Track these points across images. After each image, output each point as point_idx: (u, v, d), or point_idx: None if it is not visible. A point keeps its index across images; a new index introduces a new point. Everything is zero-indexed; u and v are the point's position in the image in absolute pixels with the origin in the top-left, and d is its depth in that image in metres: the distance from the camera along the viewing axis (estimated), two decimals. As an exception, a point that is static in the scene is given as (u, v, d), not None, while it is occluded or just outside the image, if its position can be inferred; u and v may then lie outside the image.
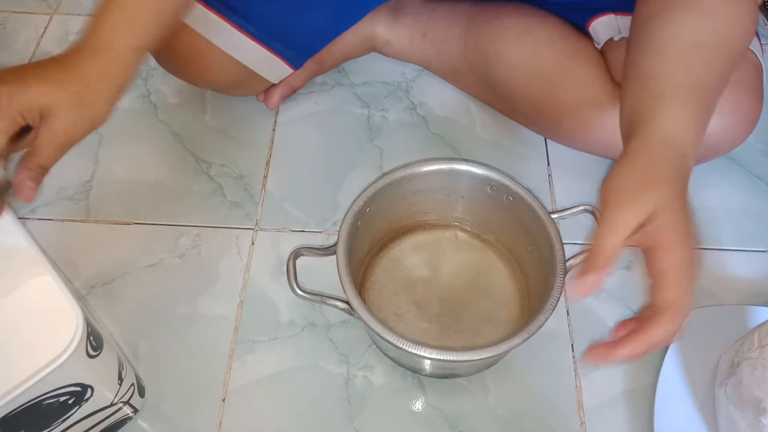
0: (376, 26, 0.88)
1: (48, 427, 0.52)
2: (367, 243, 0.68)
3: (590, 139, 0.77)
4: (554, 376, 0.67)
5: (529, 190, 0.65)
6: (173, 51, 0.74)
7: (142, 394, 0.63)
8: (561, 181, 0.81)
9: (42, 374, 0.46)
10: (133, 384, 0.60)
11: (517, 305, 0.70)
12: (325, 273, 0.67)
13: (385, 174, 0.65)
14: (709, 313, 0.68)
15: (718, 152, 0.73)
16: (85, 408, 0.53)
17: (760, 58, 0.71)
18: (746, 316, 0.68)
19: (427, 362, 0.63)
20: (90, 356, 0.50)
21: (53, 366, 0.46)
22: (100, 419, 0.57)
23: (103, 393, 0.54)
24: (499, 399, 0.66)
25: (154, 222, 0.77)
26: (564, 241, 0.61)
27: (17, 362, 0.47)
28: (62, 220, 0.77)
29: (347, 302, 0.58)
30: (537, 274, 0.66)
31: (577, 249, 0.67)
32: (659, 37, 0.55)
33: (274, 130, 0.86)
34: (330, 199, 0.80)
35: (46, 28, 0.97)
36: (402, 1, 0.88)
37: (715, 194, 0.80)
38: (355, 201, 0.62)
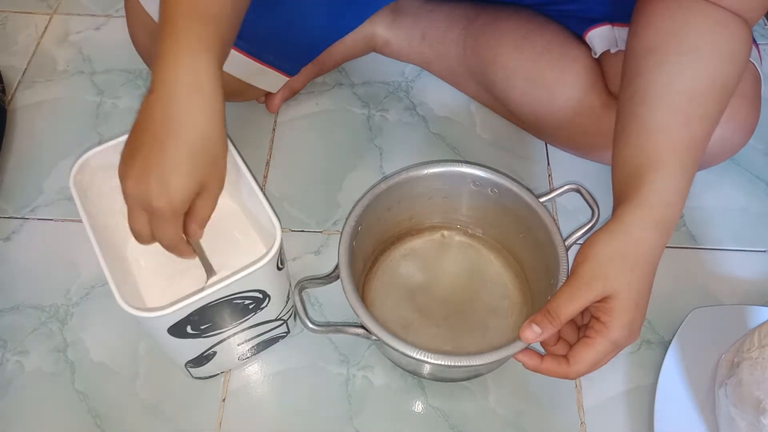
0: (375, 27, 0.88)
1: (226, 327, 0.58)
2: (361, 261, 0.67)
3: (585, 147, 0.77)
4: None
5: (513, 179, 0.65)
6: None
7: (295, 318, 0.68)
8: (561, 181, 0.81)
9: (245, 272, 0.52)
10: (293, 306, 0.65)
11: (517, 293, 0.70)
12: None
13: (370, 189, 0.64)
14: (709, 313, 0.68)
15: (715, 161, 0.73)
16: (259, 316, 0.60)
17: (758, 69, 0.71)
18: (746, 316, 0.68)
19: (461, 370, 0.63)
20: (278, 268, 0.56)
21: (254, 267, 0.52)
22: (263, 331, 0.63)
23: (275, 305, 0.60)
24: (500, 399, 0.66)
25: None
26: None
27: (225, 260, 0.59)
28: (62, 220, 0.77)
29: (364, 327, 0.57)
30: (533, 259, 0.67)
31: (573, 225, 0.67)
32: (656, 83, 0.55)
33: (274, 130, 0.86)
34: (330, 199, 0.80)
35: (46, 28, 0.97)
36: (402, 2, 0.88)
37: (715, 194, 0.80)
38: (346, 222, 0.62)
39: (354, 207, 0.63)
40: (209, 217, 0.52)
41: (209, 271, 0.58)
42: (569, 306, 0.51)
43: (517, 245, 0.70)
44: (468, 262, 0.72)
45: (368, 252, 0.70)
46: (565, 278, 0.58)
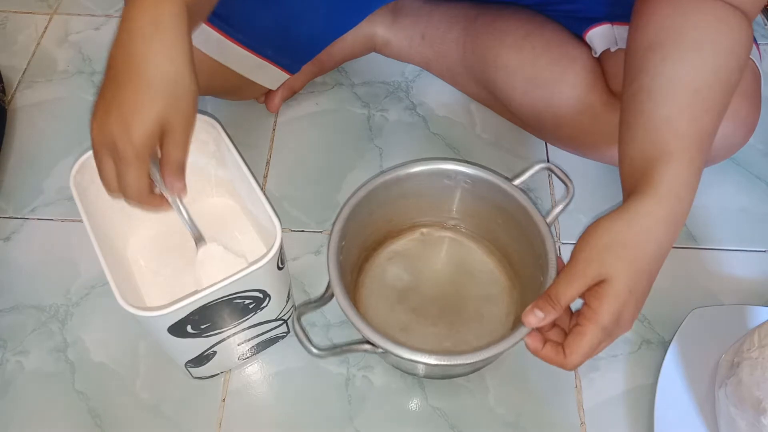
0: (375, 27, 0.88)
1: (226, 327, 0.58)
2: (348, 273, 0.67)
3: (586, 146, 0.77)
4: (554, 376, 0.67)
5: (485, 168, 0.65)
6: None
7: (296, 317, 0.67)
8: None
9: (245, 272, 0.52)
10: (293, 306, 0.66)
11: (504, 277, 0.70)
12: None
13: (347, 200, 0.64)
14: (709, 313, 0.68)
15: (716, 159, 0.73)
16: (259, 315, 0.60)
17: (758, 66, 0.71)
18: (746, 316, 0.68)
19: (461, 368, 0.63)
20: (278, 268, 0.57)
21: (254, 267, 0.52)
22: (263, 330, 0.63)
23: (275, 305, 0.60)
24: (499, 399, 0.66)
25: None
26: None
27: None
28: (62, 220, 0.77)
29: (370, 342, 0.56)
30: (516, 242, 0.67)
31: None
32: (660, 78, 0.55)
33: (274, 130, 0.86)
34: (330, 199, 0.80)
35: (46, 28, 0.97)
36: (401, 2, 0.88)
37: (715, 194, 0.80)
38: (330, 239, 0.61)
39: (334, 223, 0.62)
40: (182, 161, 0.51)
41: (198, 239, 0.56)
42: (568, 290, 0.51)
43: (498, 231, 0.70)
44: (452, 256, 0.73)
45: (353, 262, 0.69)
46: (553, 256, 0.59)
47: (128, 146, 0.48)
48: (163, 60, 0.48)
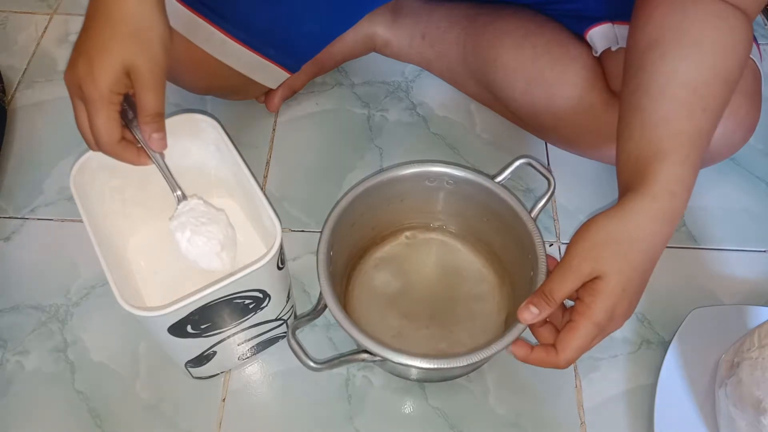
0: (375, 26, 0.88)
1: (226, 327, 0.58)
2: (338, 284, 0.66)
3: (586, 146, 0.77)
4: (554, 375, 0.67)
5: (466, 167, 0.65)
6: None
7: (295, 318, 0.67)
8: (561, 182, 0.81)
9: (246, 272, 0.52)
10: (293, 306, 0.65)
11: (493, 275, 0.70)
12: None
13: (332, 210, 0.64)
14: (709, 313, 0.68)
15: (716, 158, 0.73)
16: (259, 315, 0.60)
17: (758, 65, 0.71)
18: (746, 316, 0.68)
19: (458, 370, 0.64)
20: (278, 268, 0.56)
21: (254, 267, 0.52)
22: (263, 330, 0.63)
23: (275, 305, 0.60)
24: (499, 399, 0.66)
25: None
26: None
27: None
28: (62, 220, 0.77)
29: (368, 351, 0.56)
30: (502, 238, 0.67)
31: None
32: (659, 76, 0.55)
33: (274, 130, 0.86)
34: (330, 199, 0.79)
35: (46, 28, 0.97)
36: (401, 2, 0.88)
37: (715, 194, 0.80)
38: (318, 249, 0.60)
39: (321, 232, 0.62)
40: (156, 109, 0.51)
41: (179, 198, 0.56)
42: (562, 286, 0.51)
43: (483, 229, 0.70)
44: (438, 257, 0.73)
45: (341, 272, 0.69)
46: (542, 250, 0.59)
47: (92, 87, 0.48)
48: (132, 4, 0.49)
